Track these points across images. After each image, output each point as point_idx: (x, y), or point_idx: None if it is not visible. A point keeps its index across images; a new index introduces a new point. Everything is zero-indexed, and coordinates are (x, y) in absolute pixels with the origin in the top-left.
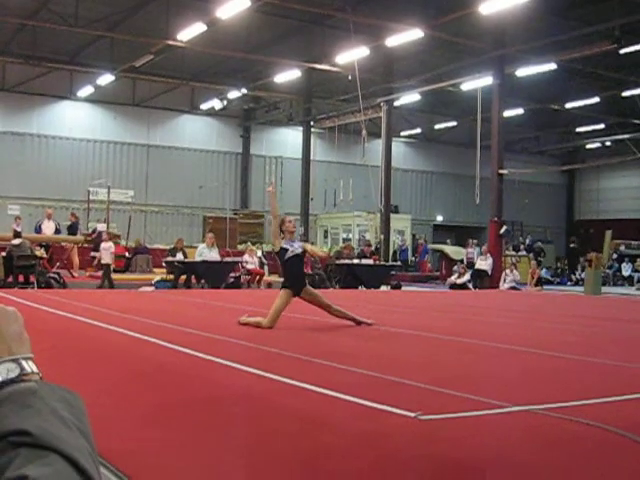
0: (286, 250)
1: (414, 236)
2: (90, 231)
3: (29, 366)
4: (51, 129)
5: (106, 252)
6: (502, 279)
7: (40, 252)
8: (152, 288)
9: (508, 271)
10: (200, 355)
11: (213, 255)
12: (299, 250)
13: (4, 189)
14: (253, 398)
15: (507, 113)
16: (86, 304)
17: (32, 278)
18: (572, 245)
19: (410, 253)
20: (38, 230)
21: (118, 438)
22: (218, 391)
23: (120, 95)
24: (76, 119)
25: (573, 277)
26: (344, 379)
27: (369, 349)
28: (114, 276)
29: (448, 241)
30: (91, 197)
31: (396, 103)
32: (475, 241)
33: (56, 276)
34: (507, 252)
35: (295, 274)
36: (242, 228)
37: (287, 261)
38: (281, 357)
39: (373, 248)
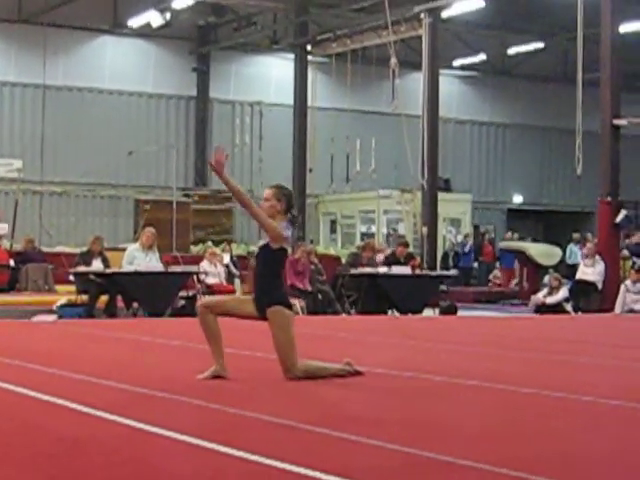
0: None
1: (476, 228)
2: None
3: None
4: None
5: None
6: (620, 296)
7: None
8: (54, 317)
9: (629, 283)
10: (132, 424)
11: (152, 263)
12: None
13: None
14: None
15: (625, 28)
16: None
17: None
18: None
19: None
20: None
21: None
22: None
23: None
24: None
25: None
26: (368, 461)
27: (398, 410)
28: None
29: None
30: None
31: (445, 14)
32: (577, 235)
33: None
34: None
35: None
36: (199, 218)
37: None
38: (253, 423)
39: (411, 248)
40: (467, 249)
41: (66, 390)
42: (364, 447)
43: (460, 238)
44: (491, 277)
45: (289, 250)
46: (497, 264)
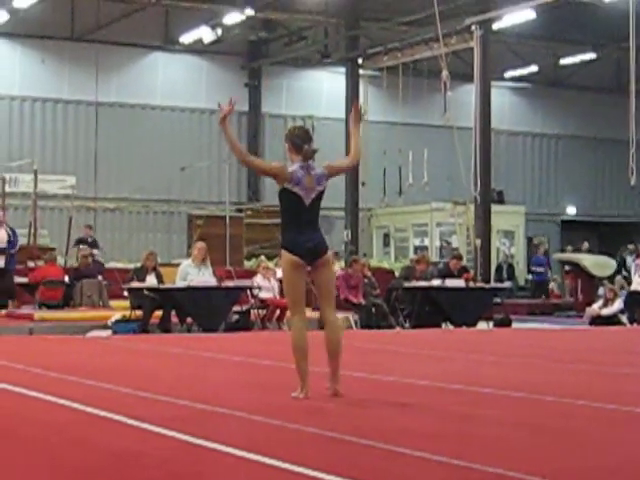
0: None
1: (530, 240)
2: None
3: None
4: None
5: None
6: None
7: None
8: (108, 332)
9: None
10: (191, 440)
11: (205, 278)
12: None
13: None
14: None
15: None
16: (5, 361)
17: None
18: None
19: (523, 266)
20: None
21: None
22: None
23: (51, 24)
24: None
25: None
26: (419, 475)
27: (452, 424)
28: (46, 314)
29: (586, 245)
30: (7, 188)
31: (496, 25)
32: (632, 246)
33: None
34: None
35: None
36: (252, 233)
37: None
38: (308, 437)
39: (465, 261)
40: (540, 261)
41: (118, 405)
42: (405, 458)
43: (513, 250)
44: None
45: (300, 192)
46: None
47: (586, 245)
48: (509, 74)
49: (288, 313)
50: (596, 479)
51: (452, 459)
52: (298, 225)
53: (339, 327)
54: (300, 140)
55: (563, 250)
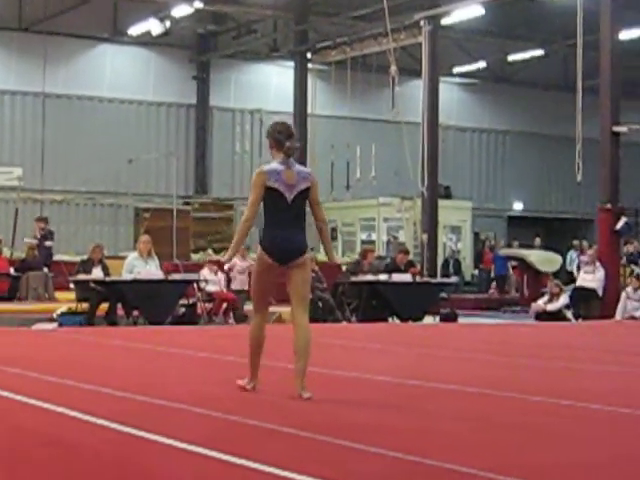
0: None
1: (477, 235)
2: None
3: None
4: None
5: None
6: (621, 303)
7: None
8: (54, 325)
9: (630, 290)
10: (134, 432)
11: (151, 271)
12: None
13: None
14: None
15: (625, 35)
16: None
17: None
18: None
19: (470, 261)
20: None
21: None
22: None
23: None
24: None
25: None
26: (366, 468)
27: (399, 418)
28: None
29: (537, 242)
30: None
31: (445, 21)
32: (578, 242)
33: None
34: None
35: None
36: (199, 226)
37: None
38: (254, 431)
39: (412, 256)
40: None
41: (61, 396)
42: (363, 454)
43: (460, 245)
44: (493, 285)
45: (280, 187)
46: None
47: (538, 241)
48: (457, 70)
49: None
50: (546, 474)
51: (404, 454)
52: (278, 223)
53: (309, 330)
54: (282, 136)
55: (509, 245)
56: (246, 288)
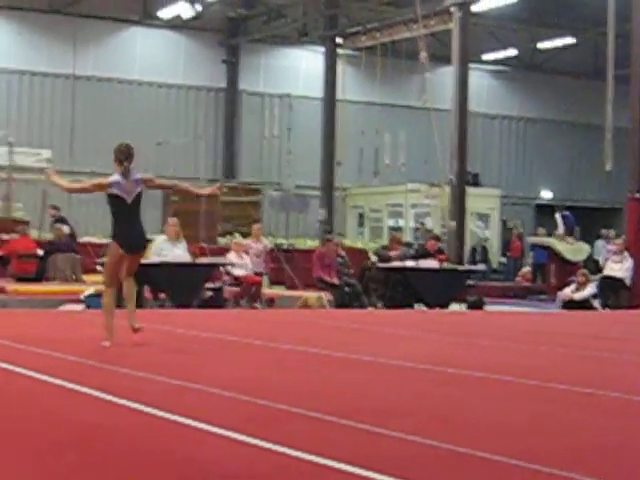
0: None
1: (504, 223)
2: None
3: None
4: None
5: None
6: None
7: None
8: (81, 307)
9: None
10: (160, 414)
11: (179, 254)
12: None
13: None
14: None
15: None
16: None
17: None
18: None
19: (497, 248)
20: None
21: None
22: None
23: None
24: None
25: None
26: (387, 452)
27: (424, 403)
28: (19, 288)
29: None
30: None
31: (476, 8)
32: (606, 232)
33: None
34: None
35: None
36: (226, 210)
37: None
38: (281, 415)
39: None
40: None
41: (91, 378)
42: (384, 438)
43: (488, 233)
44: (520, 274)
45: (121, 194)
46: (529, 260)
47: (541, 230)
48: (487, 57)
49: (263, 290)
50: (566, 460)
51: (424, 438)
52: (124, 220)
53: (133, 284)
54: (120, 158)
55: (536, 234)
56: (261, 270)
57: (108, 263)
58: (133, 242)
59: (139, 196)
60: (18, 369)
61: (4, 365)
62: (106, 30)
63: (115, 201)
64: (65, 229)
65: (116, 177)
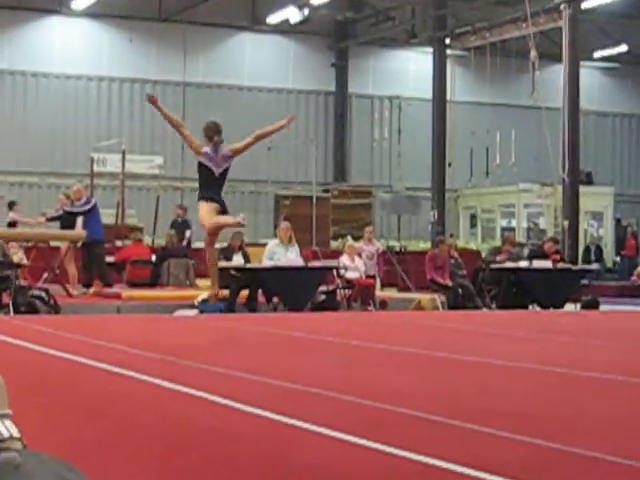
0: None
1: (618, 221)
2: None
3: (6, 428)
4: (29, 62)
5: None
6: None
7: (19, 256)
8: (195, 312)
9: None
10: (283, 420)
11: (291, 257)
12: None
13: None
14: None
15: None
16: (92, 338)
17: (6, 297)
18: None
19: (611, 247)
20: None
21: None
22: None
23: (139, 5)
24: (69, 45)
25: None
26: (502, 455)
27: (543, 404)
28: (134, 293)
29: None
30: (95, 168)
31: (586, 5)
32: None
33: (43, 294)
34: None
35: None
36: (338, 214)
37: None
38: (400, 419)
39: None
40: None
41: (206, 383)
42: (506, 441)
43: (602, 232)
44: (635, 273)
45: (211, 166)
46: None
47: None
48: (598, 54)
49: (378, 292)
50: None
51: (545, 441)
52: (211, 188)
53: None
54: (211, 134)
55: None
56: (374, 273)
57: (201, 216)
58: (217, 200)
59: (226, 171)
60: (137, 375)
61: (119, 370)
62: (215, 37)
63: (204, 171)
64: (187, 233)
65: (207, 149)
